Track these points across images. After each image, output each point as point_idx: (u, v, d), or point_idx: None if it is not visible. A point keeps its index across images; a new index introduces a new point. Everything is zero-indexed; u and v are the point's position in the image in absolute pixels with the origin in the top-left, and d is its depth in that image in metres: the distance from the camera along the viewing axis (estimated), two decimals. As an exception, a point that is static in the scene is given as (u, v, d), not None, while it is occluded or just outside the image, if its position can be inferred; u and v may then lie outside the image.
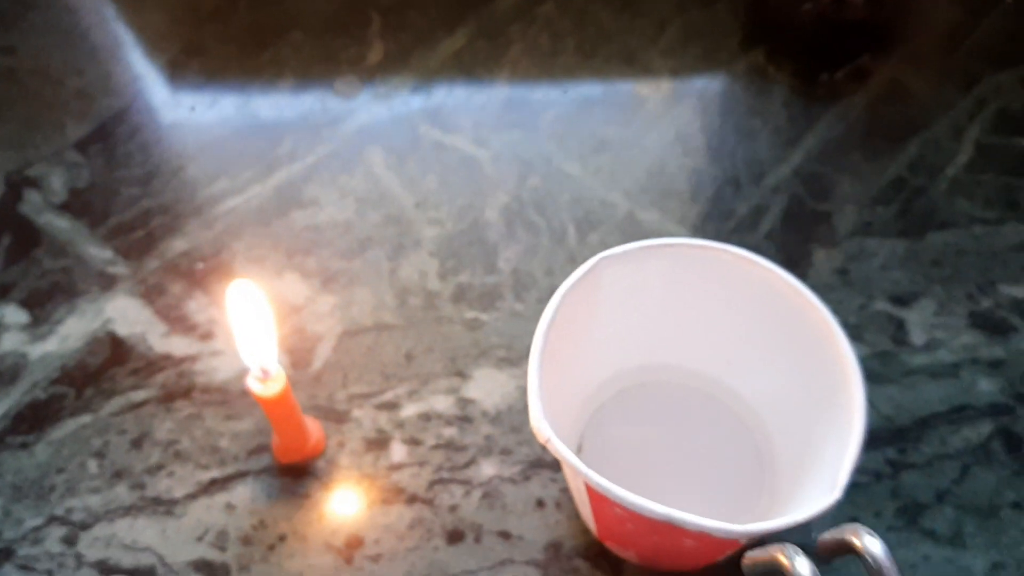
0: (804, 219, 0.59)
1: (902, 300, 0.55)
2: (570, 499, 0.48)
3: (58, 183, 0.61)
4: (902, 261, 0.57)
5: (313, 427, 0.50)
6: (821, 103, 0.65)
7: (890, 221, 0.59)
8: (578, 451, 0.48)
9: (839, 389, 0.39)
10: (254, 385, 0.43)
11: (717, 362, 0.48)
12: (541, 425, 0.37)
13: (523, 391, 0.52)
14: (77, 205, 0.60)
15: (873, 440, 0.50)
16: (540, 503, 0.48)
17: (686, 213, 0.59)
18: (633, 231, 0.58)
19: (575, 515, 0.48)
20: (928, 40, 0.70)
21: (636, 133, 0.63)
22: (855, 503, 0.48)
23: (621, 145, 0.63)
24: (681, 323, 0.47)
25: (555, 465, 0.49)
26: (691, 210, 0.59)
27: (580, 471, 0.35)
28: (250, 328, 0.42)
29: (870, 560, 0.33)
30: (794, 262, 0.57)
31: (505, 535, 0.47)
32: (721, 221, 0.59)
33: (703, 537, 0.36)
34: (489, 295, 0.56)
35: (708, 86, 0.66)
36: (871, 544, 0.33)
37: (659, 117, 0.64)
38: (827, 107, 0.65)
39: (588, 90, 0.66)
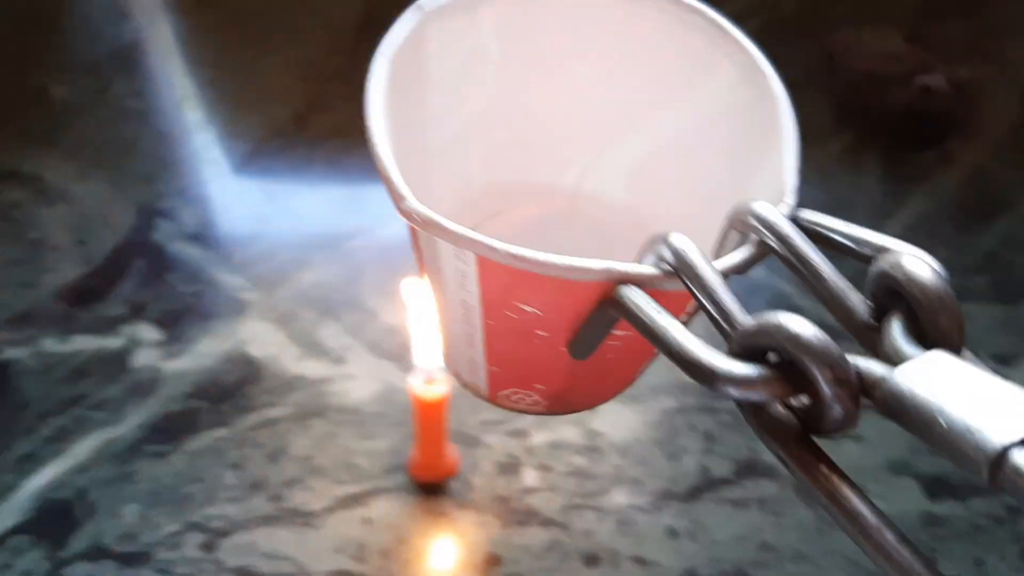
0: (904, 283, 0.61)
1: (1004, 360, 0.57)
2: (702, 529, 0.49)
3: (189, 215, 0.63)
4: (1001, 325, 0.59)
5: (449, 448, 0.51)
6: (911, 182, 0.68)
7: (986, 289, 0.62)
8: None
9: (764, 131, 0.28)
10: (418, 387, 0.45)
11: (575, 166, 0.36)
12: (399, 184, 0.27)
13: (649, 426, 0.53)
14: (207, 236, 0.62)
15: (990, 488, 0.51)
16: (673, 532, 0.49)
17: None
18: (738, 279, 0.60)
19: (712, 543, 0.48)
20: (1009, 129, 0.74)
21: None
22: (977, 543, 0.49)
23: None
24: (529, 114, 0.35)
25: (686, 496, 0.50)
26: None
27: (467, 237, 0.23)
28: (423, 326, 0.43)
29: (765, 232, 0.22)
30: (897, 322, 0.59)
31: (640, 561, 0.48)
32: (827, 280, 0.61)
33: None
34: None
35: (805, 161, 0.69)
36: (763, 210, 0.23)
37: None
38: (917, 186, 0.68)
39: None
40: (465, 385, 0.34)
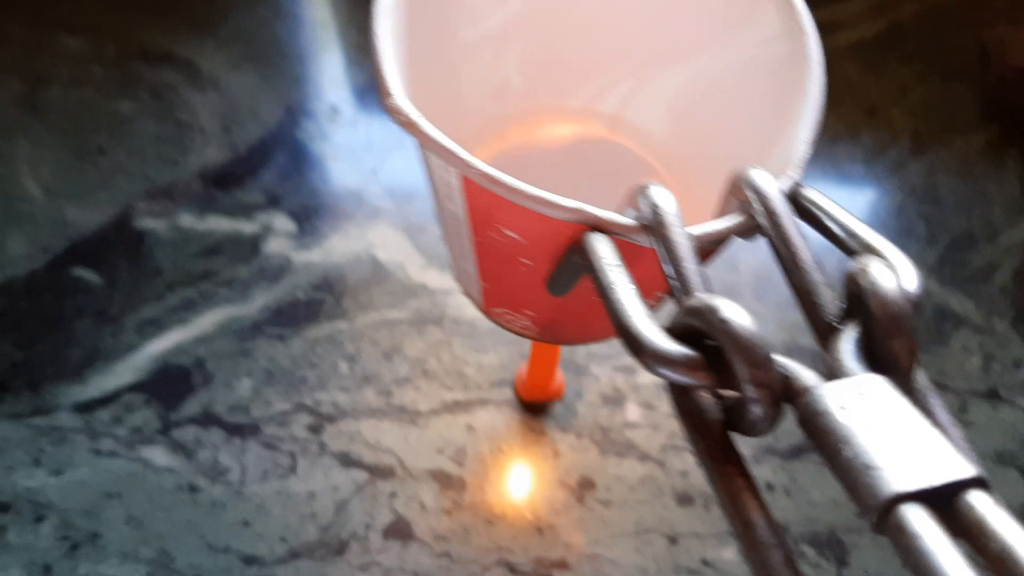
0: (1035, 283, 0.60)
1: None
2: (799, 488, 0.49)
3: (333, 120, 0.65)
4: None
5: (558, 372, 0.51)
6: (1054, 184, 0.67)
7: (1122, 301, 0.60)
8: None
9: (794, 92, 0.28)
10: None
11: (615, 92, 0.36)
12: (389, 79, 0.24)
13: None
14: (350, 143, 0.63)
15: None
16: (769, 486, 0.49)
17: (923, 253, 0.60)
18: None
19: (807, 503, 0.48)
20: None
21: (877, 175, 0.65)
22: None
23: (862, 184, 0.65)
24: (571, 26, 0.34)
25: (784, 454, 0.50)
26: (928, 252, 0.61)
27: (447, 149, 0.22)
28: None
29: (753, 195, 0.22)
30: None
31: (733, 508, 0.48)
32: (956, 267, 0.60)
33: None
34: (728, 291, 0.57)
35: (947, 149, 0.68)
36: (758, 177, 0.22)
37: (900, 166, 0.66)
38: (1060, 189, 0.66)
39: (831, 132, 0.69)
40: (466, 294, 0.34)
